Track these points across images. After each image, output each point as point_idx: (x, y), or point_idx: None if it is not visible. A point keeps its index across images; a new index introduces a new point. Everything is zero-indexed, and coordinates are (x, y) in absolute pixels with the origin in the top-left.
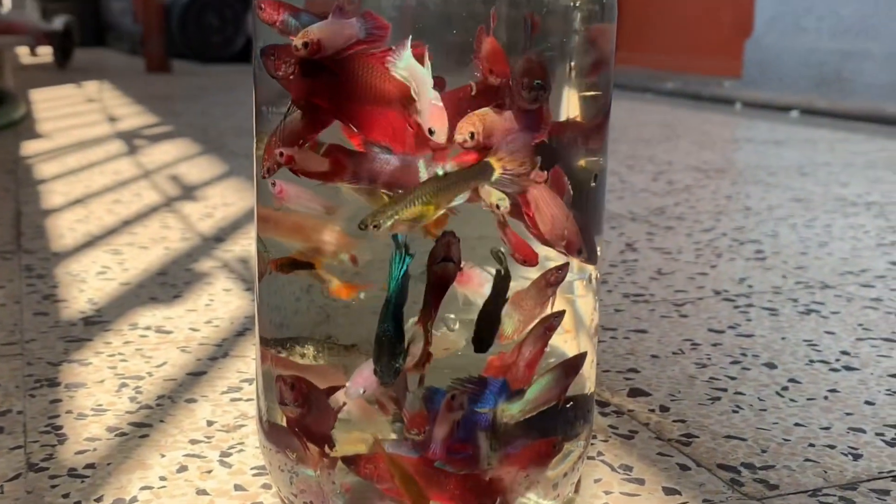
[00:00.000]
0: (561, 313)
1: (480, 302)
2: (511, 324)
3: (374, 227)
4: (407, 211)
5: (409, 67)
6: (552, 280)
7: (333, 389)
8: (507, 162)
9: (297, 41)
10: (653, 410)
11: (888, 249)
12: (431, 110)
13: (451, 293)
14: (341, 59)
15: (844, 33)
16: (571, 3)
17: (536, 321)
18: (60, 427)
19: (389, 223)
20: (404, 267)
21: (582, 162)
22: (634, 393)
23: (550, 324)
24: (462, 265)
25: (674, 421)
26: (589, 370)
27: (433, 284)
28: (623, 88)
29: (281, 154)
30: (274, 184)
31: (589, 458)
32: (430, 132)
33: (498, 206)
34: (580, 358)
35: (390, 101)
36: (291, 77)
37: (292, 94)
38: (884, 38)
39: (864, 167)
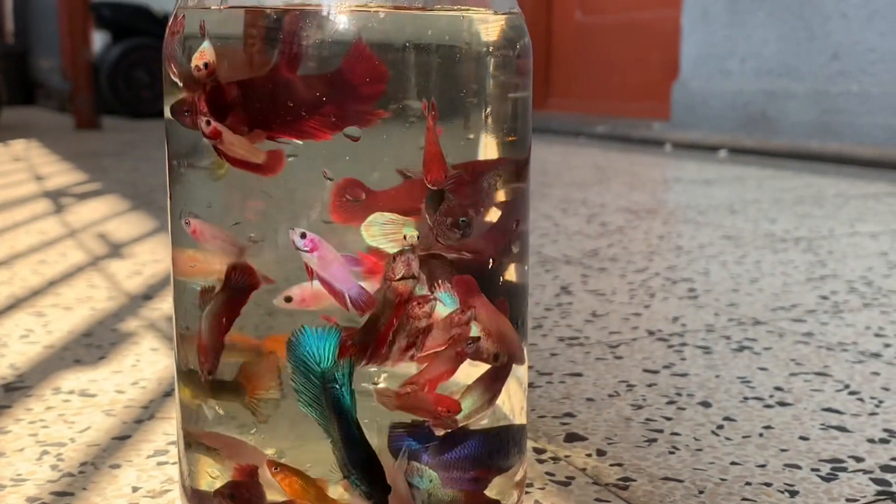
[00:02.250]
0: (476, 339)
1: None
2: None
3: None
4: None
5: None
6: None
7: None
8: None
9: (197, 62)
10: (589, 455)
11: (818, 284)
12: None
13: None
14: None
15: (767, 74)
16: (485, 49)
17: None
18: None
19: None
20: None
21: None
22: (571, 438)
23: (462, 350)
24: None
25: (611, 465)
26: (519, 416)
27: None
28: (555, 133)
29: (208, 123)
30: (188, 222)
31: None
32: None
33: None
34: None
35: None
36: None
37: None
38: (806, 77)
39: (792, 203)
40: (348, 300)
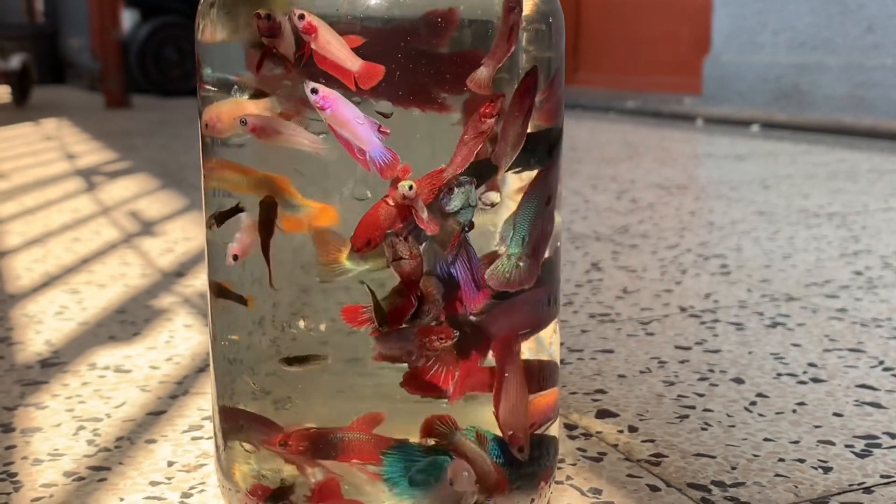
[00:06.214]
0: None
1: None
2: None
3: None
4: None
5: None
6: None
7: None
8: None
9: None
10: (621, 431)
11: (851, 259)
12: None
13: None
14: None
15: (800, 47)
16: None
17: None
18: (15, 474)
19: None
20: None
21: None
22: (602, 414)
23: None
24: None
25: (643, 441)
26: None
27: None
28: (585, 108)
29: (301, 17)
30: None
31: (557, 482)
32: None
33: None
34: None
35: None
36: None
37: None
38: (839, 50)
39: (826, 178)
40: (370, 160)
